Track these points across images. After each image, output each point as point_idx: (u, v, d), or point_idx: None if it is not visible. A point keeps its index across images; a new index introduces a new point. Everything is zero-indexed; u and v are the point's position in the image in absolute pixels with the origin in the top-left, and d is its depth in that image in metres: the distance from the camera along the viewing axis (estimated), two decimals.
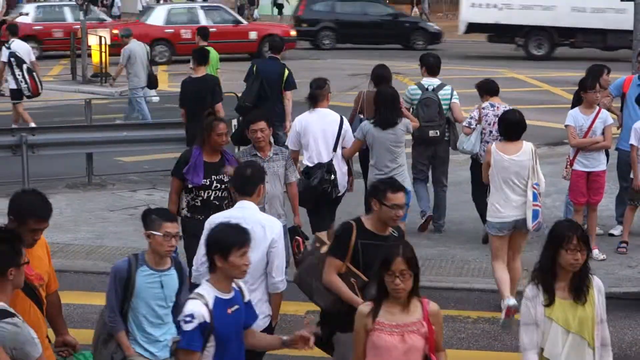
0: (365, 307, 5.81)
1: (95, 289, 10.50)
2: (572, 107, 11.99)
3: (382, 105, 10.84)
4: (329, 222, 10.92)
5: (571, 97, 12.83)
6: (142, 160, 17.19)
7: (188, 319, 5.62)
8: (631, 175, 11.72)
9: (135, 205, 14.14)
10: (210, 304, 5.70)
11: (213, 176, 9.20)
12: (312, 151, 10.93)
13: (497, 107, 11.68)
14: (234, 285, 5.88)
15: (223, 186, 9.21)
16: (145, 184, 15.45)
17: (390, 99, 10.87)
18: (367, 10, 37.31)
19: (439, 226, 12.68)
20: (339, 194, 10.97)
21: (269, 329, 7.11)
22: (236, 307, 5.82)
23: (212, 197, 9.25)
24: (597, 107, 11.40)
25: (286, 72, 14.26)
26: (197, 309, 5.64)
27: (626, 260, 11.44)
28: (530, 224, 9.65)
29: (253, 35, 33.30)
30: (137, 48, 20.17)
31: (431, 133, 12.13)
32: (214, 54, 17.66)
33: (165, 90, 26.21)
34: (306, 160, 10.99)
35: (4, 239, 5.34)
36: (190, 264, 8.48)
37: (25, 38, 31.17)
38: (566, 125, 11.48)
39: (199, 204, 9.25)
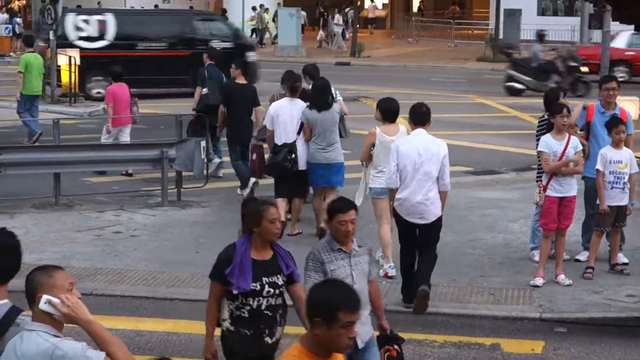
0: None
1: None
2: (541, 132, 12.08)
3: (316, 93, 13.21)
4: (298, 193, 13.59)
5: None
6: (110, 181, 17.13)
7: None
8: (597, 201, 11.81)
9: (103, 226, 14.08)
10: None
11: (264, 278, 7.05)
12: (281, 133, 13.32)
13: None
14: None
15: (277, 291, 7.10)
16: (113, 205, 15.37)
17: (322, 87, 13.26)
18: None
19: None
20: (299, 169, 13.23)
21: (439, 220, 10.45)
22: None
23: (263, 306, 7.07)
24: (567, 134, 11.49)
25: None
26: None
27: (592, 286, 11.49)
28: None
29: None
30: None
31: None
32: (39, 61, 20.66)
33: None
34: (276, 139, 13.35)
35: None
36: None
37: (616, 62, 34.31)
38: (540, 152, 11.51)
39: (247, 314, 7.08)
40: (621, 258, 12.20)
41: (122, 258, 12.54)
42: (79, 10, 33.89)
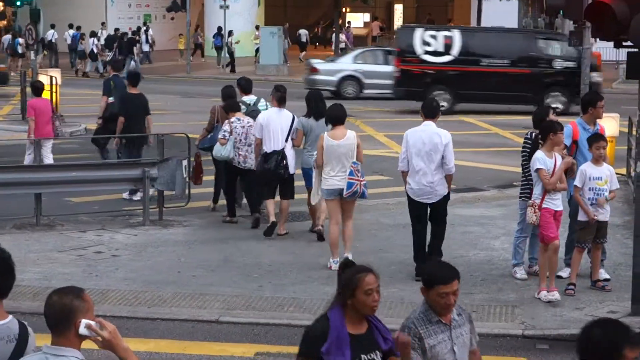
0: None
1: (42, 331, 10.32)
2: (527, 150, 12.11)
3: (313, 102, 14.29)
4: (286, 195, 14.43)
5: (521, 140, 12.94)
6: (91, 200, 17.07)
7: None
8: (579, 217, 11.83)
9: (84, 246, 14.03)
10: None
11: (363, 355, 6.11)
12: (271, 141, 14.21)
13: (242, 120, 14.94)
14: None
15: None
16: (94, 225, 15.32)
17: (318, 97, 14.59)
18: None
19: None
20: (290, 174, 14.36)
21: (446, 198, 12.17)
22: None
23: None
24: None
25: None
26: None
27: (574, 303, 11.51)
28: (344, 193, 12.41)
29: None
30: None
31: None
32: None
33: None
34: (265, 147, 14.22)
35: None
36: None
37: None
38: (538, 169, 11.44)
39: None
40: (602, 274, 12.22)
41: (104, 278, 12.49)
42: (428, 26, 36.07)
